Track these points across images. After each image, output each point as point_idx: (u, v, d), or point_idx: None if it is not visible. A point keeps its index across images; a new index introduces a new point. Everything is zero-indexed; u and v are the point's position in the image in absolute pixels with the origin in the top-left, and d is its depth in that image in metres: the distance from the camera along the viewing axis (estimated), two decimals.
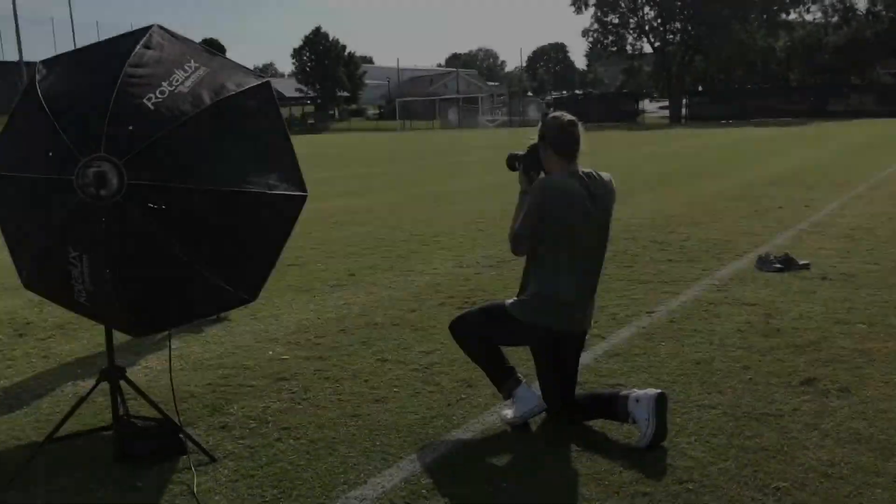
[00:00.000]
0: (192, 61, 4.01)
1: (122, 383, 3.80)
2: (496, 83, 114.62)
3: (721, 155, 21.92)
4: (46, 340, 5.40)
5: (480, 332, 3.79)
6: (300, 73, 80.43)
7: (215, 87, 3.91)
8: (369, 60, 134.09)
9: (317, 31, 79.15)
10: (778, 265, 6.84)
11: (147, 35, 4.04)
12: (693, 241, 8.43)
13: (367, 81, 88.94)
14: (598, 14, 63.54)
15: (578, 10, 64.11)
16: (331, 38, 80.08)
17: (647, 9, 62.53)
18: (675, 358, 4.63)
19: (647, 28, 62.95)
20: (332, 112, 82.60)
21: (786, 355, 4.60)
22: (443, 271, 7.30)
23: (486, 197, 13.10)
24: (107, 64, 3.85)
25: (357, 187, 15.93)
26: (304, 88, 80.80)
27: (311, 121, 78.17)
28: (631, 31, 64.00)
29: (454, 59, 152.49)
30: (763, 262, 6.97)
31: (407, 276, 7.13)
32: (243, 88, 4.01)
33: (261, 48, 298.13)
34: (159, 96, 3.71)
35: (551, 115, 3.70)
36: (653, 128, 46.69)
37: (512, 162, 3.95)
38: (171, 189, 3.62)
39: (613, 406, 3.60)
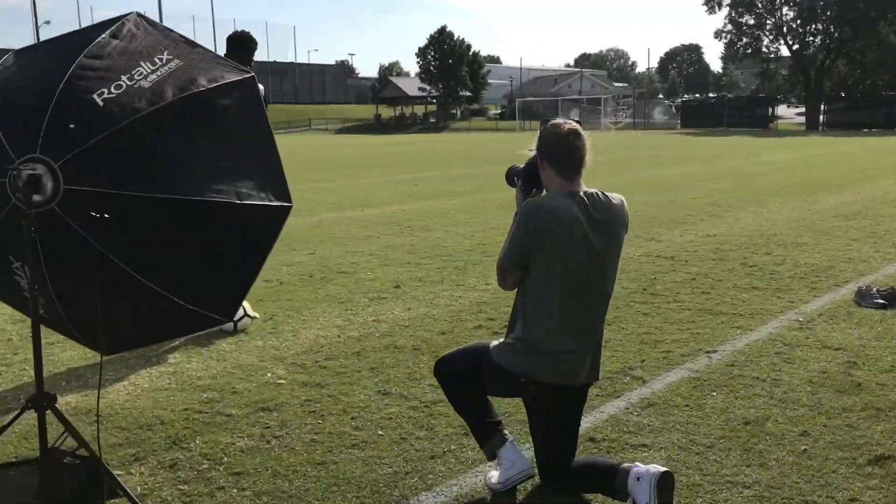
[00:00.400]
0: (166, 53, 3.59)
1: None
2: (624, 84, 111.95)
3: (851, 167, 20.15)
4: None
5: (461, 378, 3.20)
6: (424, 73, 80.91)
7: (183, 83, 3.47)
8: (496, 60, 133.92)
9: (442, 30, 79.39)
10: (880, 300, 5.87)
11: (119, 23, 3.67)
12: (788, 265, 7.47)
13: (490, 81, 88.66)
14: (733, 14, 60.67)
15: (711, 11, 61.43)
16: (455, 38, 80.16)
17: (785, 9, 59.24)
18: (721, 414, 3.88)
19: (784, 30, 59.60)
20: (453, 111, 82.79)
21: (860, 420, 3.77)
22: (494, 288, 6.68)
23: None
24: (65, 54, 3.47)
25: (445, 189, 15.44)
26: (427, 87, 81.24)
27: (431, 119, 78.65)
28: (767, 33, 60.80)
29: (583, 60, 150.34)
30: (863, 296, 6.00)
31: (454, 292, 6.56)
32: (217, 84, 3.56)
33: (386, 47, 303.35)
34: (113, 91, 3.30)
35: (551, 122, 3.06)
36: (785, 135, 44.09)
37: (511, 177, 3.34)
38: (115, 196, 3.20)
39: (611, 481, 2.93)
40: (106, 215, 3.18)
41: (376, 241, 9.20)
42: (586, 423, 3.80)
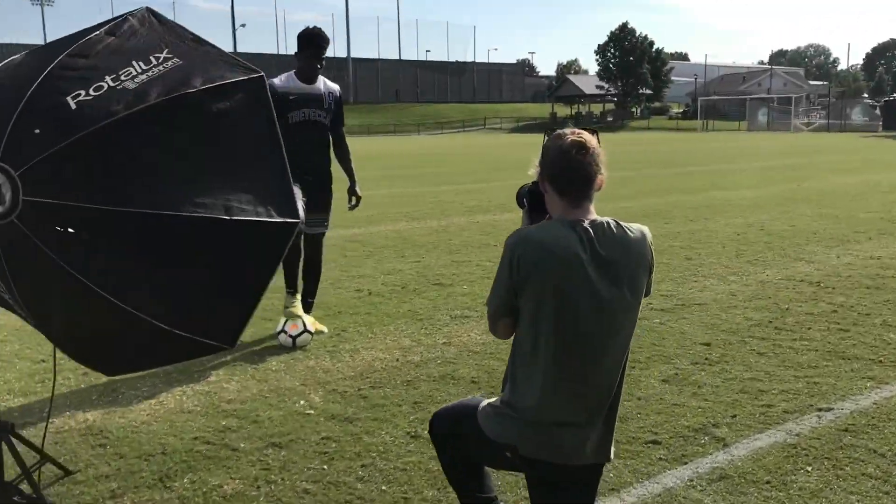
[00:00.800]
0: (166, 52, 3.25)
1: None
2: (821, 83, 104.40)
3: None
4: None
5: (450, 441, 2.64)
6: (603, 70, 79.14)
7: (173, 84, 3.11)
8: (682, 57, 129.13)
9: (623, 26, 77.32)
10: None
11: (122, 19, 3.38)
12: None
13: (673, 78, 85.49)
14: None
15: None
16: (638, 34, 77.81)
17: None
18: (810, 499, 3.07)
19: None
20: (632, 110, 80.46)
21: None
22: None
23: (736, 214, 11.24)
24: (54, 53, 3.22)
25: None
26: (605, 85, 79.40)
27: (609, 118, 76.84)
28: None
29: (779, 56, 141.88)
30: None
31: None
32: (213, 85, 3.18)
33: (567, 45, 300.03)
34: (91, 93, 2.99)
35: (555, 133, 2.42)
36: None
37: (520, 198, 2.73)
38: (82, 210, 2.89)
39: None
40: (71, 230, 2.88)
41: (492, 250, 8.67)
42: (634, 494, 3.12)
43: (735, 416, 3.91)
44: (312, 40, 5.06)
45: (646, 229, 2.39)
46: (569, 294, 2.27)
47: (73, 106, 2.95)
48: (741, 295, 6.42)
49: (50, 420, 3.93)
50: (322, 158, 5.28)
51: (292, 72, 5.21)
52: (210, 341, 3.36)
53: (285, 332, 5.04)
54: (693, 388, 4.29)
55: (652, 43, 78.62)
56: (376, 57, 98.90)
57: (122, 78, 3.09)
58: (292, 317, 5.08)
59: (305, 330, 5.06)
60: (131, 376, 4.47)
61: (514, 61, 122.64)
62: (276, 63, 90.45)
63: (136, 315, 3.07)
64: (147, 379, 4.44)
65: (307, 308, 5.48)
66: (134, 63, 3.17)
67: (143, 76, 3.13)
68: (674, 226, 10.38)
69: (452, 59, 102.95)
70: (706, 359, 4.79)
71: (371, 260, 8.18)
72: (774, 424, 3.80)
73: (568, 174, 2.32)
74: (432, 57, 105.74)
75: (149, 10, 3.44)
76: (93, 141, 2.90)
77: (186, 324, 3.23)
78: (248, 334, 5.41)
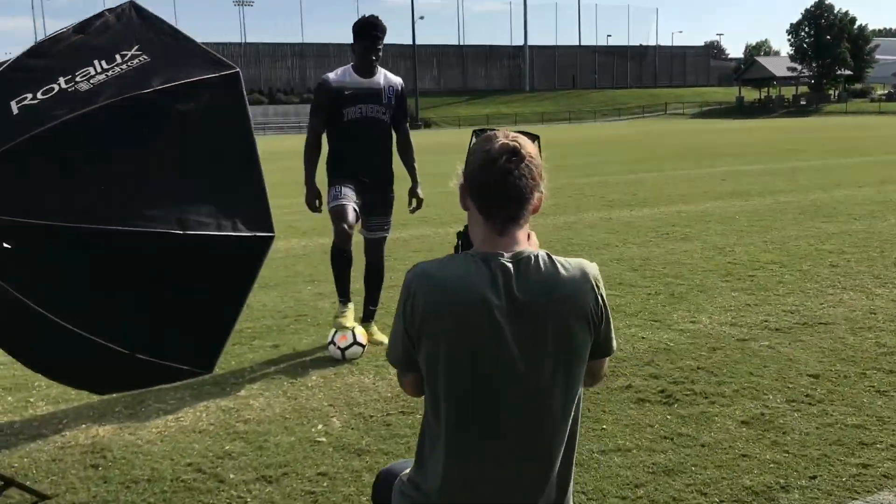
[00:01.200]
0: (135, 48, 3.01)
1: None
2: None
3: None
4: None
5: None
6: (796, 51, 73.89)
7: (130, 84, 2.85)
8: (892, 33, 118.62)
9: (819, 3, 71.73)
10: None
11: (98, 14, 3.16)
12: None
13: (878, 57, 78.45)
14: None
15: None
16: (836, 11, 71.96)
17: None
18: None
19: None
20: (829, 92, 74.64)
21: None
22: (693, 331, 5.23)
23: (878, 217, 9.85)
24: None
25: (748, 188, 13.33)
26: (798, 67, 74.10)
27: (802, 101, 71.78)
28: None
29: None
30: None
31: (642, 330, 5.24)
32: (174, 84, 2.88)
33: (757, 26, 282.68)
34: (39, 97, 2.78)
35: (485, 134, 1.88)
36: None
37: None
38: (18, 225, 2.67)
39: None
40: (7, 245, 2.66)
41: (612, 250, 7.99)
42: None
43: (815, 477, 3.15)
44: (366, 30, 4.68)
45: (589, 266, 1.82)
46: (470, 350, 1.74)
47: (16, 110, 2.73)
48: (882, 314, 5.42)
49: (61, 433, 3.83)
50: (380, 158, 4.90)
51: (349, 65, 4.86)
52: (179, 366, 3.09)
53: (334, 344, 4.72)
54: (775, 435, 3.55)
55: (853, 20, 72.50)
56: (553, 44, 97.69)
57: (78, 79, 2.84)
58: (341, 328, 4.75)
59: (356, 342, 4.71)
60: (161, 387, 4.31)
61: (701, 44, 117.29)
62: (454, 53, 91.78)
63: (86, 338, 2.82)
64: (178, 390, 4.26)
65: (368, 316, 5.14)
66: (95, 62, 2.92)
67: (102, 76, 2.87)
68: (832, 225, 9.18)
69: (633, 44, 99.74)
70: (807, 396, 3.99)
71: None
72: (864, 494, 3.03)
73: (493, 189, 1.79)
74: (612, 42, 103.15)
75: (132, 3, 3.18)
76: (29, 148, 2.66)
77: (147, 348, 2.96)
78: (306, 343, 5.15)
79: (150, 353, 2.93)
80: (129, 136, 2.78)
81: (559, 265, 1.78)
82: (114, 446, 3.64)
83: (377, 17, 4.76)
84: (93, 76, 2.84)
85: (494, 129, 1.87)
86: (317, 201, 4.89)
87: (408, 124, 5.08)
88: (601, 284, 1.81)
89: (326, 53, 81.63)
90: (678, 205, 11.19)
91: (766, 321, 5.29)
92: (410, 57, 75.74)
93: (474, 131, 1.91)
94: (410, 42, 77.03)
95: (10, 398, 4.30)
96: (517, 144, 1.78)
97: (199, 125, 2.90)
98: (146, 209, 2.75)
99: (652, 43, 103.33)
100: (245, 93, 3.01)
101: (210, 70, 2.95)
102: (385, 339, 5.03)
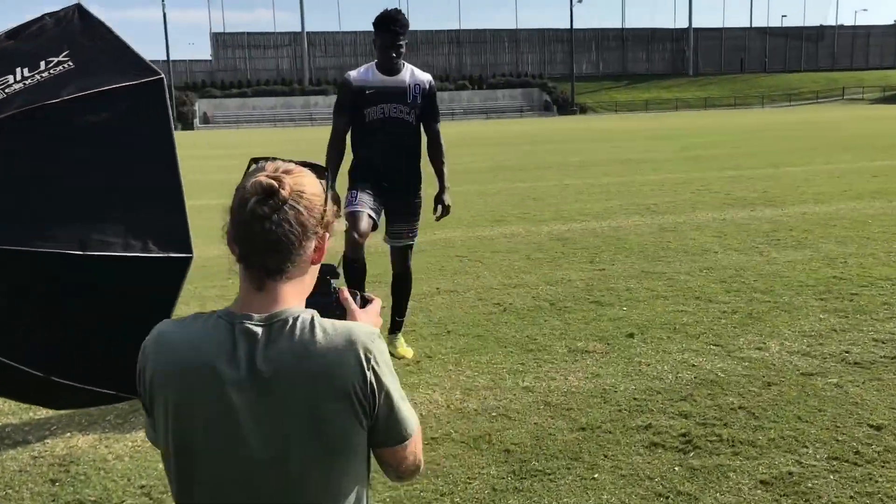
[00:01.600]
0: (63, 54, 2.88)
1: None
2: None
3: None
4: None
5: None
6: None
7: (42, 93, 2.71)
8: None
9: None
10: None
11: (37, 18, 3.06)
12: None
13: None
14: None
15: None
16: None
17: None
18: None
19: None
20: None
21: None
22: (757, 356, 4.58)
23: None
24: None
25: (867, 188, 11.96)
26: None
27: None
28: None
29: None
30: None
31: (699, 356, 4.65)
32: (86, 93, 2.72)
33: None
34: None
35: (258, 164, 1.53)
36: None
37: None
38: None
39: None
40: None
41: (707, 257, 7.29)
42: None
43: None
44: (385, 24, 4.37)
45: (361, 333, 1.44)
46: (193, 431, 1.43)
47: None
48: None
49: (43, 441, 3.81)
50: (404, 161, 4.58)
51: (373, 62, 4.57)
52: (102, 390, 2.94)
53: None
54: (794, 502, 2.98)
55: None
56: (720, 26, 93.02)
57: None
58: None
59: None
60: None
61: (890, 22, 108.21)
62: (614, 36, 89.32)
63: (1, 360, 2.72)
64: None
65: (395, 327, 4.86)
66: (18, 70, 2.79)
67: (19, 85, 2.74)
68: None
69: (808, 24, 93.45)
70: (856, 453, 3.35)
71: (552, 264, 7.26)
72: None
73: (244, 236, 1.45)
74: (787, 23, 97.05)
75: (78, 6, 3.05)
76: None
77: (61, 371, 2.82)
78: None
79: (66, 376, 2.80)
80: (33, 149, 2.63)
81: (319, 331, 1.42)
82: (83, 460, 3.56)
83: (399, 11, 4.44)
84: (10, 85, 2.72)
85: (271, 160, 1.53)
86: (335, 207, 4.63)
87: (438, 124, 4.73)
88: (376, 356, 1.44)
89: (483, 39, 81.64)
90: (808, 205, 10.16)
91: (846, 352, 4.57)
92: (568, 41, 74.47)
93: (251, 160, 1.57)
94: (567, 27, 75.69)
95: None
96: (273, 184, 1.43)
97: (111, 136, 2.72)
98: (46, 228, 2.59)
99: (831, 23, 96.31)
100: (168, 101, 2.79)
101: (131, 77, 2.76)
102: (410, 355, 4.74)
